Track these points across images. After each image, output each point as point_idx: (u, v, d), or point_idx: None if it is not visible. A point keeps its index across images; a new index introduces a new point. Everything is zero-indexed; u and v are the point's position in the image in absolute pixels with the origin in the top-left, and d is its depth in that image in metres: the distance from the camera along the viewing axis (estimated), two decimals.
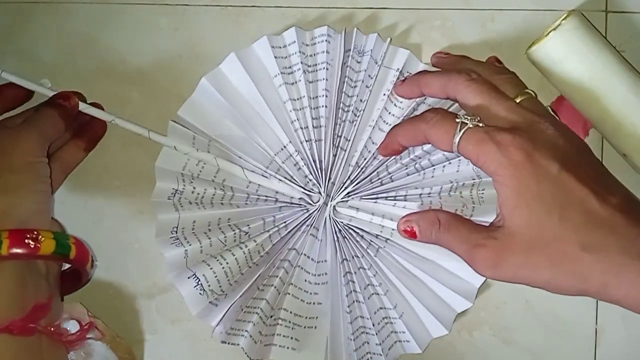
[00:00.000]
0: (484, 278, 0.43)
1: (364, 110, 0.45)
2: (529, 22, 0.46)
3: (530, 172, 0.35)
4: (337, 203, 0.45)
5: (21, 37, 0.49)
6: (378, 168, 0.45)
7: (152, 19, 0.48)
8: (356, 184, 0.45)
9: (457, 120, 0.37)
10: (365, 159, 0.45)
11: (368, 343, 0.44)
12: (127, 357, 0.46)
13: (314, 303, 0.44)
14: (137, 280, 0.47)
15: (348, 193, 0.45)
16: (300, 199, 0.45)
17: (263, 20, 0.48)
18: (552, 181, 0.35)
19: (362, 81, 0.45)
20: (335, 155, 0.45)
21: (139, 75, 0.48)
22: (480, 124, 0.37)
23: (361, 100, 0.45)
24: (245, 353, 0.43)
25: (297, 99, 0.45)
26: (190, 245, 0.45)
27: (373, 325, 0.44)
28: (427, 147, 0.44)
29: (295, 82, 0.46)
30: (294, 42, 0.46)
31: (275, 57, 0.46)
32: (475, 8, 0.47)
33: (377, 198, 0.44)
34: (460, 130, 0.37)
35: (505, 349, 0.45)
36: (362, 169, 0.45)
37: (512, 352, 0.45)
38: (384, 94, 0.45)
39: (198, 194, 0.45)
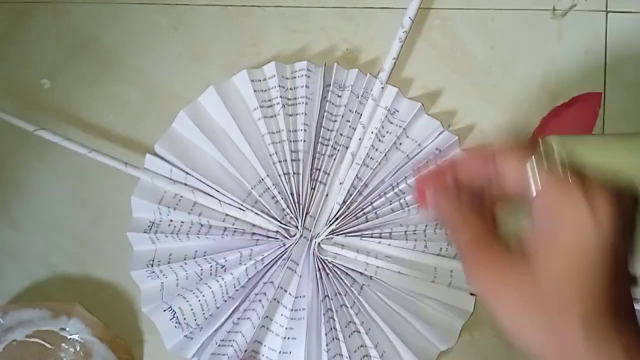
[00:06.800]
0: (468, 315, 0.44)
1: (346, 146, 0.45)
2: (529, 22, 0.46)
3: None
4: (321, 240, 0.44)
5: (21, 37, 0.49)
6: (362, 203, 0.44)
7: (152, 19, 0.48)
8: (341, 221, 0.44)
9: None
10: (351, 196, 0.44)
11: None
12: (127, 357, 0.45)
13: (288, 338, 0.43)
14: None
15: (332, 231, 0.44)
16: (276, 232, 0.44)
17: (263, 20, 0.48)
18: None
19: (343, 116, 0.45)
20: (314, 189, 0.45)
21: (139, 75, 0.48)
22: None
23: (341, 135, 0.45)
24: None
25: (276, 132, 0.45)
26: (166, 277, 0.45)
27: None
28: (411, 181, 0.44)
29: (275, 116, 0.45)
30: (274, 75, 0.45)
31: (255, 90, 0.45)
32: (476, 8, 0.47)
33: (362, 235, 0.44)
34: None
35: (505, 350, 0.45)
36: (347, 206, 0.44)
37: (512, 353, 0.45)
38: (372, 132, 0.45)
39: (174, 226, 0.45)
